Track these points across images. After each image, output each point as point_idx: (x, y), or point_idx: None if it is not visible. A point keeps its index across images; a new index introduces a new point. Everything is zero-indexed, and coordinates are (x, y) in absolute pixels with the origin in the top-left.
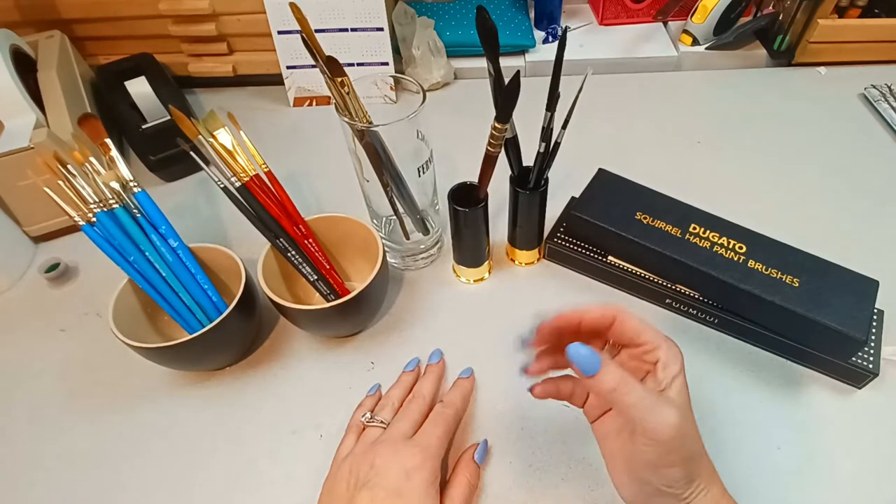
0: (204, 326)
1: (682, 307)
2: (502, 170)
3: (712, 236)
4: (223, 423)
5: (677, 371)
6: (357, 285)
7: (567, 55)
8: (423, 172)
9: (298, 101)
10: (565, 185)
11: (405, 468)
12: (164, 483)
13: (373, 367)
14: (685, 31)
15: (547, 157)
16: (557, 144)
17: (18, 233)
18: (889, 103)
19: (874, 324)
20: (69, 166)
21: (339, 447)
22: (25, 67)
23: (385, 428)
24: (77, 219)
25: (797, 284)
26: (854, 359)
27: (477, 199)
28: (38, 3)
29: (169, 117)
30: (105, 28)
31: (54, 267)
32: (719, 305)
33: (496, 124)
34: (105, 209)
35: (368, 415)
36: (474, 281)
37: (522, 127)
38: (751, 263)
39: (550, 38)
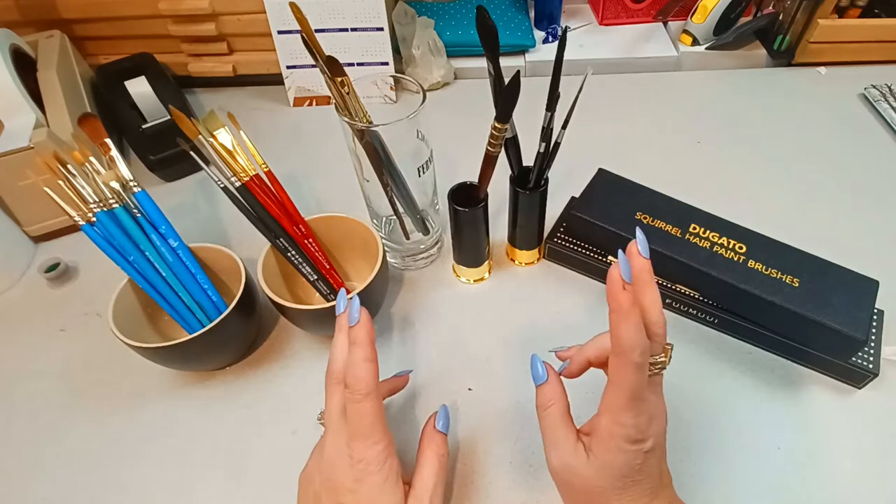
0: (204, 326)
1: (682, 307)
2: (502, 170)
3: (712, 236)
4: (223, 423)
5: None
6: (357, 285)
7: (567, 55)
8: (423, 172)
9: (298, 101)
10: (565, 185)
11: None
12: (164, 483)
13: None
14: (685, 31)
15: (547, 157)
16: (557, 144)
17: (18, 233)
18: (889, 103)
19: (874, 324)
20: (69, 166)
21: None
22: (25, 67)
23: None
24: (77, 219)
25: (797, 284)
26: (854, 359)
27: (477, 199)
28: (38, 2)
29: (169, 117)
30: (105, 28)
31: (54, 267)
32: (719, 305)
33: (496, 124)
34: (105, 209)
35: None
36: (474, 281)
37: (522, 127)
38: (751, 263)
39: (550, 38)
